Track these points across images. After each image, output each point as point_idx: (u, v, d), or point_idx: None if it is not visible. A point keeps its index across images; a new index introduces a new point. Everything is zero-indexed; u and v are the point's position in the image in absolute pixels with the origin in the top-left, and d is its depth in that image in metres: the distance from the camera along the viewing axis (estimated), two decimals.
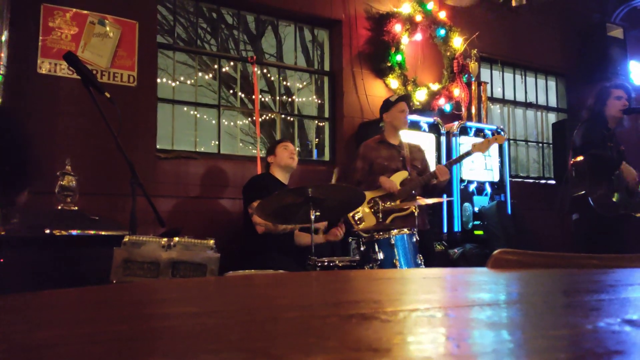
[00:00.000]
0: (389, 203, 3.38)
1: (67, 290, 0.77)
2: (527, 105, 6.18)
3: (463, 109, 5.03)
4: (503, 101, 5.99)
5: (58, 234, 2.58)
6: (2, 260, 1.89)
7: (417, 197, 3.25)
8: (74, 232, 2.66)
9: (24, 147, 2.06)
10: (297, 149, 3.74)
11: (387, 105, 3.72)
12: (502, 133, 4.91)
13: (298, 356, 0.35)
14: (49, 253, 2.52)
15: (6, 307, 0.64)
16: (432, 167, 3.81)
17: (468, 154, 3.65)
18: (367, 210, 3.51)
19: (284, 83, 4.99)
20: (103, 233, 2.76)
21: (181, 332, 0.45)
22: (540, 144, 6.28)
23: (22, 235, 2.26)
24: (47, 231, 2.56)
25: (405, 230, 2.94)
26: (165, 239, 2.33)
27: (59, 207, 2.85)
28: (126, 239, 2.29)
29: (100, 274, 2.32)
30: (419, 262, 2.93)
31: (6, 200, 1.98)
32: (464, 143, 4.73)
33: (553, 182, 5.95)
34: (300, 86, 5.32)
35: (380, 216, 3.10)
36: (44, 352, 0.38)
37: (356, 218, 3.40)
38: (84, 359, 0.35)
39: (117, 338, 0.43)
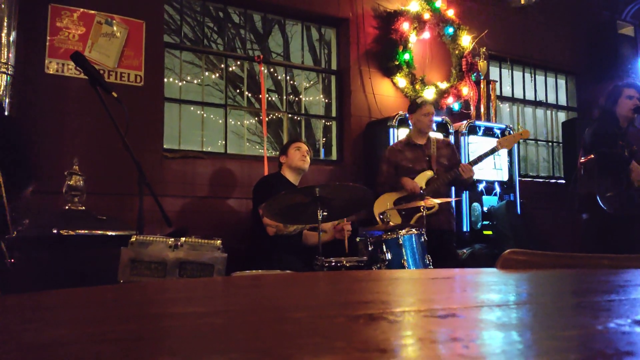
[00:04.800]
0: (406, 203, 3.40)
1: (75, 290, 0.78)
2: (536, 103, 6.14)
3: (472, 108, 5.00)
4: (512, 100, 5.96)
5: (65, 233, 2.60)
6: (12, 261, 1.90)
7: (426, 197, 3.24)
8: (82, 232, 2.68)
9: (23, 145, 2.07)
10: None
11: (412, 107, 3.78)
12: (511, 131, 4.88)
13: (305, 356, 0.35)
14: (57, 253, 2.54)
15: (15, 306, 0.64)
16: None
17: (493, 150, 3.65)
18: (394, 210, 3.54)
19: (291, 82, 4.99)
20: (110, 233, 2.78)
21: (188, 332, 0.45)
22: (550, 143, 6.24)
23: (30, 236, 2.28)
24: (55, 231, 2.58)
25: (414, 230, 2.93)
26: (172, 239, 2.34)
27: (67, 207, 2.87)
28: (133, 238, 2.31)
29: (107, 274, 2.33)
30: (427, 262, 2.92)
31: (15, 200, 1.99)
32: (473, 142, 4.71)
33: (563, 181, 5.91)
34: (308, 85, 5.33)
35: (389, 216, 3.09)
36: (53, 351, 0.38)
37: (384, 218, 3.42)
38: (93, 358, 0.36)
39: (125, 337, 0.43)
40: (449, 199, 3.56)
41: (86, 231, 2.71)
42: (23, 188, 2.11)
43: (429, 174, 3.59)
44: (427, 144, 3.69)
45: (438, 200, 3.32)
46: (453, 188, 4.19)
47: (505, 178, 4.90)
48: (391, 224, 3.06)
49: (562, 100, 6.37)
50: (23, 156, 2.07)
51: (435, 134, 3.84)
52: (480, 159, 3.76)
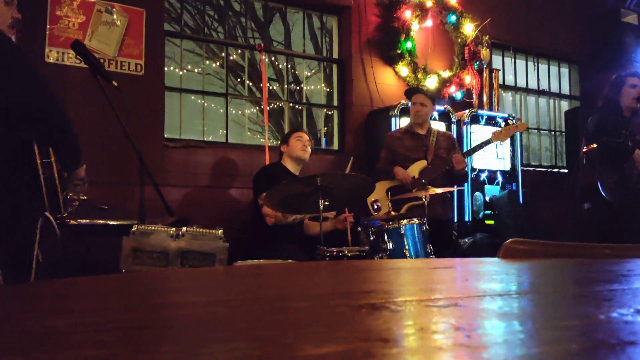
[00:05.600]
0: (403, 193, 3.39)
1: (77, 279, 0.78)
2: (539, 92, 6.11)
3: (474, 97, 4.98)
4: (515, 89, 5.93)
5: (67, 223, 2.60)
6: (40, 258, 1.91)
7: (428, 187, 3.23)
8: (83, 221, 2.69)
9: (68, 120, 2.06)
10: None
11: (406, 94, 3.79)
12: (514, 121, 4.86)
13: (308, 346, 0.35)
14: (58, 242, 2.55)
15: (17, 295, 0.65)
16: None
17: (487, 143, 3.63)
18: (385, 198, 3.53)
19: (292, 71, 4.97)
20: (112, 222, 2.79)
21: (191, 321, 0.45)
22: (553, 132, 6.22)
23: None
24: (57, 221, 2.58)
25: (415, 219, 2.94)
26: (173, 229, 2.35)
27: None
28: (135, 228, 2.32)
29: (109, 263, 2.34)
30: (429, 251, 2.93)
31: (63, 179, 2.01)
32: (475, 131, 4.69)
33: (565, 170, 5.90)
34: (309, 74, 5.30)
35: (390, 206, 3.09)
36: (56, 340, 0.38)
37: (374, 206, 3.41)
38: (95, 347, 0.36)
39: (128, 327, 0.43)
40: (450, 189, 3.54)
41: (88, 220, 2.72)
42: (71, 168, 2.11)
43: (422, 163, 3.57)
44: (427, 135, 3.67)
45: (440, 190, 3.32)
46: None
47: (508, 167, 4.90)
48: (381, 213, 3.06)
49: (565, 89, 6.33)
50: (72, 137, 2.07)
51: (437, 127, 3.82)
52: (473, 150, 3.74)
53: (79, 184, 2.26)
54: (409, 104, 3.80)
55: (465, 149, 4.20)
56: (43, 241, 1.89)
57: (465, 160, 3.57)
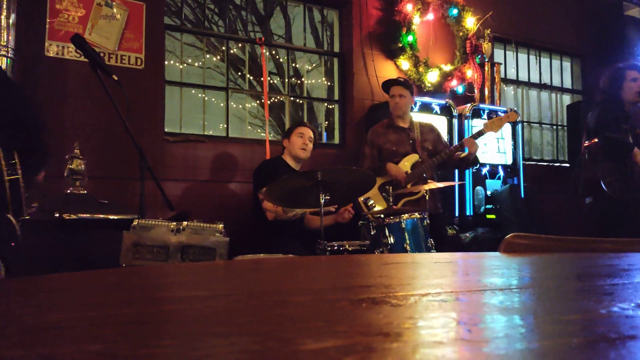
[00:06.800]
0: (400, 189, 3.36)
1: (77, 274, 0.78)
2: (541, 86, 6.09)
3: (476, 91, 4.96)
4: (517, 82, 5.91)
5: (67, 217, 2.61)
6: (13, 244, 1.92)
7: (428, 181, 3.22)
8: (83, 215, 2.69)
9: (37, 123, 2.06)
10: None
11: (383, 86, 3.70)
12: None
13: (307, 340, 0.34)
14: (58, 237, 2.55)
15: (16, 290, 0.65)
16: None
17: (480, 133, 3.60)
18: (378, 195, 3.49)
19: (293, 65, 4.95)
20: (112, 217, 2.79)
21: (190, 316, 0.45)
22: (555, 126, 6.20)
23: (32, 219, 2.29)
24: (57, 215, 2.59)
25: (416, 214, 2.93)
26: (174, 223, 2.35)
27: (68, 191, 2.88)
28: (135, 222, 2.32)
29: (109, 258, 2.34)
30: (430, 246, 2.93)
31: (27, 182, 2.01)
32: (477, 125, 4.68)
33: (567, 165, 5.89)
34: (310, 68, 5.28)
35: (391, 200, 3.09)
36: (54, 335, 0.38)
37: (368, 203, 3.39)
38: (94, 341, 0.36)
39: (127, 321, 0.43)
40: (451, 183, 3.54)
41: (88, 215, 2.72)
42: (35, 171, 2.10)
43: (414, 157, 3.52)
44: (410, 128, 3.60)
45: (441, 184, 3.32)
46: (457, 172, 4.17)
47: (509, 162, 4.89)
48: (375, 210, 3.05)
49: (567, 83, 6.31)
50: (37, 138, 2.07)
51: (417, 118, 3.74)
52: (473, 137, 3.70)
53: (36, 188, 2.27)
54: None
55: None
56: (3, 242, 1.89)
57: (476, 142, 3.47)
